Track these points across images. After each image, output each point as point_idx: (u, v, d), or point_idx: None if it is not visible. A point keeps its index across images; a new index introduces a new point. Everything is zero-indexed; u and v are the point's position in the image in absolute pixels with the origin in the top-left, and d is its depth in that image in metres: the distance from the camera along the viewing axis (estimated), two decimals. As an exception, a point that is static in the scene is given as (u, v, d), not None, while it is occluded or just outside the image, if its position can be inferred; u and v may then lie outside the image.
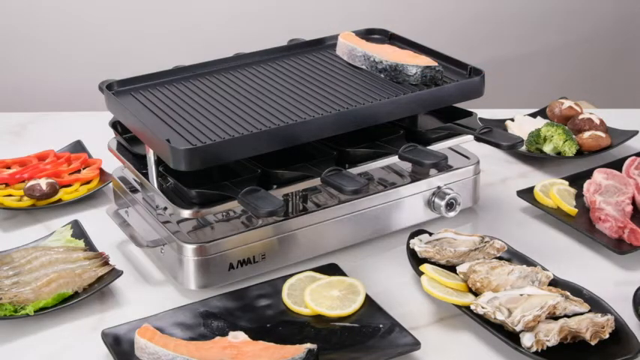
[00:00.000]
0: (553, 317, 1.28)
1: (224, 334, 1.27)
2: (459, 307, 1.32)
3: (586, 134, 1.86)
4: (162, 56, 2.82)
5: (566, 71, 3.46)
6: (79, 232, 1.54)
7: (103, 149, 1.63)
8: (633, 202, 1.61)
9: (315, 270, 1.42)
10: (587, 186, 1.64)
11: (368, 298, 1.36)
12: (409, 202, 1.55)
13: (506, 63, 3.35)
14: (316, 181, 1.40)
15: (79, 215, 1.64)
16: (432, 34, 2.47)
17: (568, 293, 1.31)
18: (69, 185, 1.73)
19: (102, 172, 1.77)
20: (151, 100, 1.52)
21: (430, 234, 1.50)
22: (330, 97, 1.48)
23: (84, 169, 1.79)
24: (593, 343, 1.24)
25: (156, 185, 1.42)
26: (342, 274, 1.42)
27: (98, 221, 1.60)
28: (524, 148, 1.85)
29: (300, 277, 1.40)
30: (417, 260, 1.44)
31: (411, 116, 1.58)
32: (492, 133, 1.51)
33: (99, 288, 1.40)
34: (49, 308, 1.35)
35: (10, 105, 2.84)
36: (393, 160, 1.50)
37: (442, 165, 1.49)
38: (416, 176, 1.58)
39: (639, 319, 1.29)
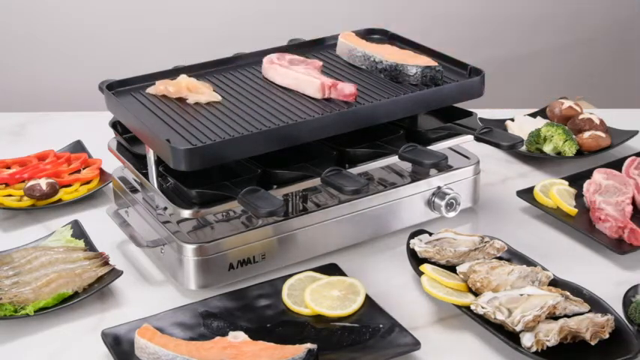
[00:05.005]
0: (553, 317, 1.28)
1: (224, 334, 1.27)
2: (459, 307, 1.32)
3: (586, 134, 1.86)
4: (163, 56, 2.82)
5: (566, 71, 3.46)
6: (79, 232, 1.54)
7: (103, 149, 1.63)
8: (633, 202, 1.61)
9: (315, 270, 1.42)
10: (587, 186, 1.64)
11: (368, 298, 1.36)
12: (409, 202, 1.55)
13: (506, 63, 3.35)
14: (316, 181, 1.40)
15: (79, 215, 1.64)
16: (432, 34, 2.47)
17: (568, 293, 1.31)
18: (69, 185, 1.73)
19: (102, 172, 1.77)
20: (151, 100, 1.52)
21: (430, 234, 1.50)
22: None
23: (84, 169, 1.79)
24: (593, 343, 1.24)
25: (156, 185, 1.42)
26: (342, 274, 1.42)
27: (98, 221, 1.60)
28: (524, 148, 1.85)
29: (300, 277, 1.40)
30: (417, 260, 1.44)
31: (411, 116, 1.58)
32: (492, 133, 1.51)
33: (99, 288, 1.40)
34: (49, 308, 1.36)
35: (10, 105, 2.84)
36: (393, 160, 1.50)
37: (442, 165, 1.49)
38: (416, 176, 1.58)
39: (628, 321, 1.29)
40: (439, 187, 1.56)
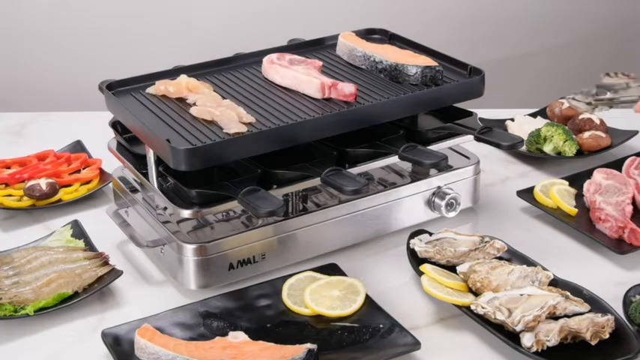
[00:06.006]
0: (553, 317, 1.28)
1: (224, 334, 1.27)
2: (459, 307, 1.32)
3: (586, 134, 1.86)
4: (163, 56, 2.82)
5: (566, 71, 3.46)
6: (79, 232, 1.54)
7: (103, 149, 1.63)
8: (633, 202, 1.61)
9: (315, 270, 1.42)
10: (587, 186, 1.64)
11: (368, 298, 1.36)
12: (409, 202, 1.55)
13: (506, 63, 3.34)
14: (316, 181, 1.40)
15: (79, 215, 1.64)
16: (432, 34, 2.47)
17: (568, 293, 1.31)
18: (69, 185, 1.73)
19: (102, 172, 1.77)
20: (151, 100, 1.52)
21: (430, 234, 1.50)
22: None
23: (84, 169, 1.79)
24: (593, 343, 1.24)
25: (156, 185, 1.42)
26: (342, 274, 1.42)
27: (98, 221, 1.60)
28: (524, 148, 1.85)
29: (300, 277, 1.40)
30: (417, 260, 1.44)
31: (411, 116, 1.58)
32: (492, 133, 1.51)
33: (99, 288, 1.40)
34: (49, 308, 1.36)
35: (10, 105, 2.84)
36: (393, 160, 1.50)
37: (442, 165, 1.49)
38: (416, 176, 1.58)
39: (629, 321, 1.29)
40: (439, 187, 1.56)
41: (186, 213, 1.36)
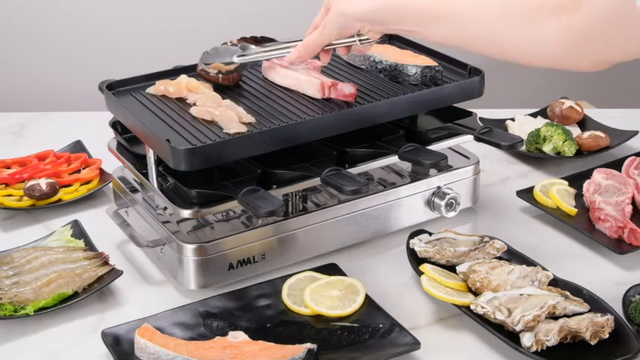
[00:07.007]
0: (553, 317, 1.28)
1: (224, 334, 1.27)
2: (458, 307, 1.32)
3: (585, 134, 1.86)
4: (163, 56, 2.82)
5: (566, 71, 3.46)
6: (78, 232, 1.54)
7: (103, 149, 1.63)
8: (633, 202, 1.61)
9: (315, 270, 1.42)
10: (587, 186, 1.64)
11: (368, 298, 1.36)
12: (409, 202, 1.55)
13: (506, 63, 3.34)
14: (316, 181, 1.40)
15: (79, 215, 1.64)
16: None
17: (568, 293, 1.31)
18: (69, 185, 1.73)
19: (102, 172, 1.77)
20: (151, 100, 1.52)
21: (430, 234, 1.50)
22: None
23: (84, 169, 1.79)
24: (593, 343, 1.24)
25: (156, 185, 1.42)
26: (342, 274, 1.42)
27: (98, 221, 1.60)
28: (524, 148, 1.85)
29: (299, 277, 1.40)
30: (417, 260, 1.45)
31: (411, 116, 1.58)
32: (492, 133, 1.51)
33: (99, 288, 1.40)
34: (49, 308, 1.36)
35: (10, 105, 2.84)
36: (393, 160, 1.50)
37: (442, 165, 1.49)
38: (416, 176, 1.58)
39: (628, 321, 1.29)
40: (439, 187, 1.56)
41: (186, 213, 1.36)
